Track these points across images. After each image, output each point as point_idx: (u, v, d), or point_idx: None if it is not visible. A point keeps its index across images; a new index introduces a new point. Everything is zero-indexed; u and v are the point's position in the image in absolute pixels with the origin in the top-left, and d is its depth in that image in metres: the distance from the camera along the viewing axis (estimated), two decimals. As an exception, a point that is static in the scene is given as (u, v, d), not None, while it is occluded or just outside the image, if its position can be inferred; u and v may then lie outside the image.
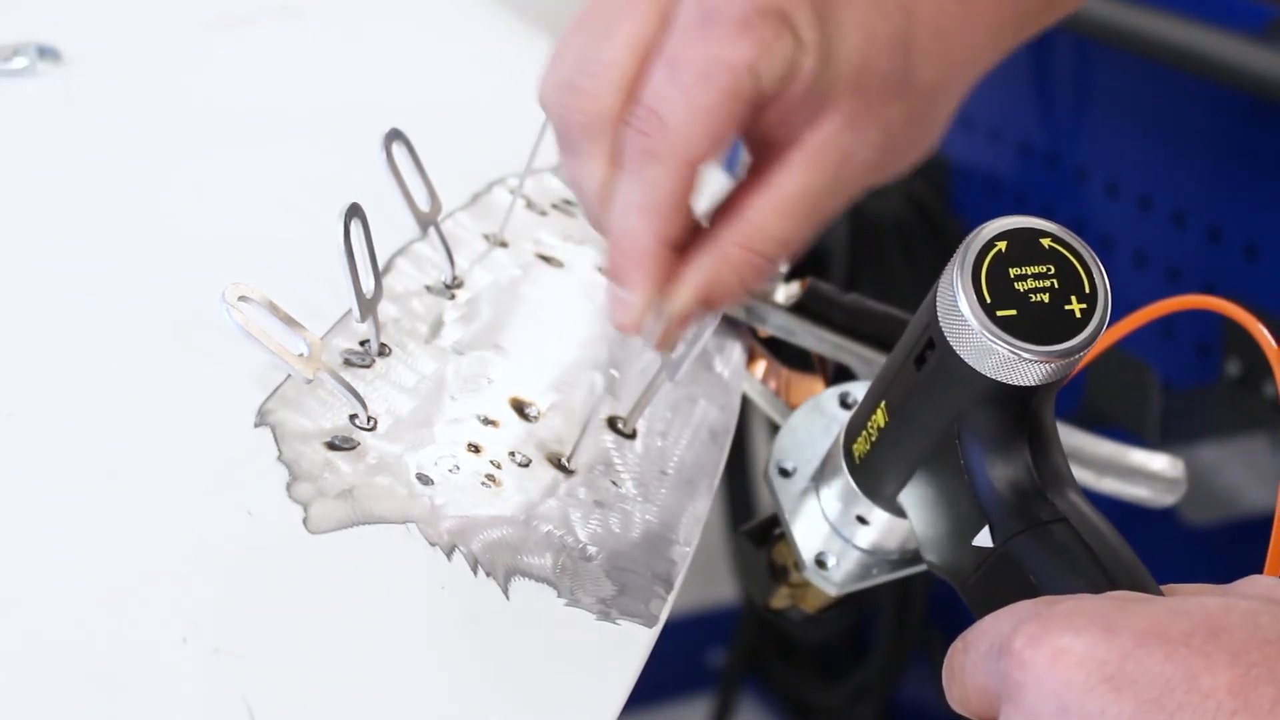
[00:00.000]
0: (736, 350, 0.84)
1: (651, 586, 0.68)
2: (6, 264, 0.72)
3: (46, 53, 0.86)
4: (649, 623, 0.66)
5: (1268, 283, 1.46)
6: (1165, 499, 0.88)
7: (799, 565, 0.72)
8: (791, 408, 0.84)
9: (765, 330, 0.84)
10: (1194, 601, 0.52)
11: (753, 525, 0.77)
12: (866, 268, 1.84)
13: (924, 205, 1.84)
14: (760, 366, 0.85)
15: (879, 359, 0.81)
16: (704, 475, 0.75)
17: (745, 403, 0.84)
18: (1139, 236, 1.58)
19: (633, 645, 0.65)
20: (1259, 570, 0.57)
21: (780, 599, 0.76)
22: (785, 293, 0.84)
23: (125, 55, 0.91)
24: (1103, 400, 1.53)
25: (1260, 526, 1.49)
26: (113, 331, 0.69)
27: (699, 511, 0.73)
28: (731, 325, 0.84)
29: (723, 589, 2.27)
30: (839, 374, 0.83)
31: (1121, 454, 0.87)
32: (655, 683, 2.10)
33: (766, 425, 2.15)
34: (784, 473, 0.73)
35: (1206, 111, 1.51)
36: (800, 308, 0.83)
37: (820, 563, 0.71)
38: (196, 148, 0.84)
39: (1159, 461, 0.87)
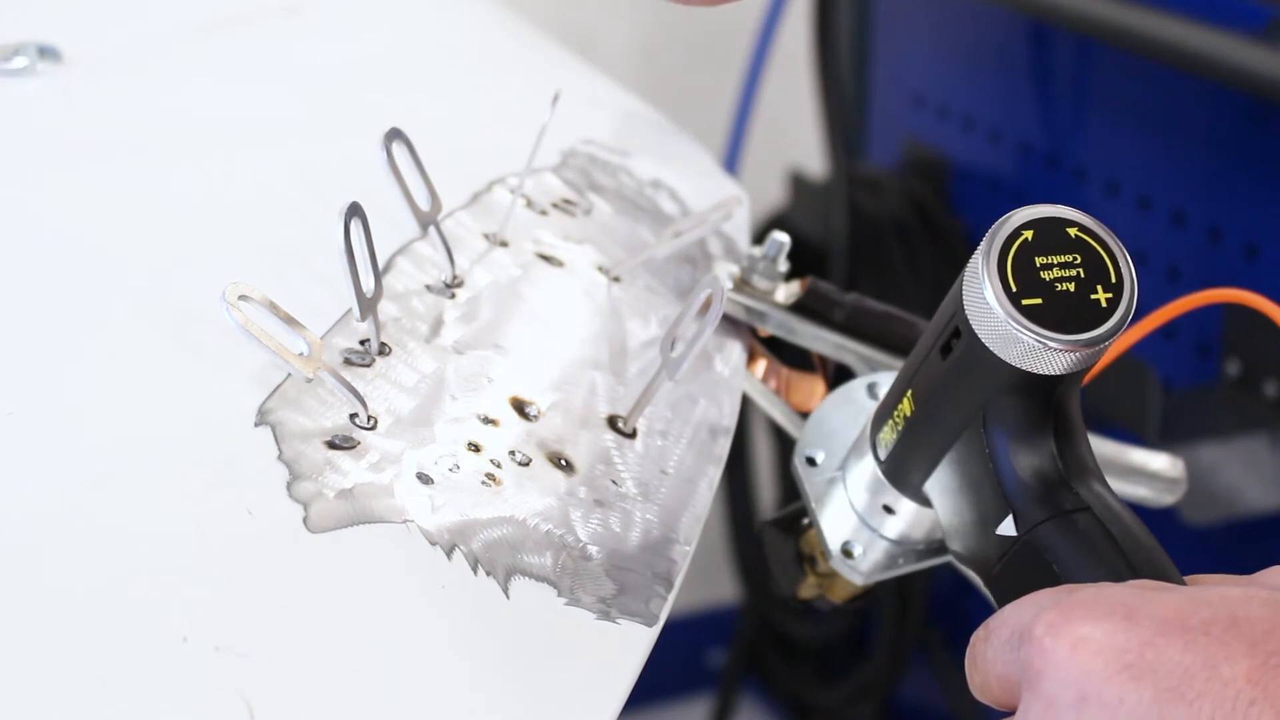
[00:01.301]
0: (736, 350, 0.84)
1: (652, 586, 0.68)
2: (6, 264, 0.72)
3: (46, 53, 0.86)
4: (649, 622, 0.66)
5: (1268, 283, 1.46)
6: (1165, 499, 0.88)
7: (825, 554, 0.72)
8: (792, 407, 0.84)
9: (765, 330, 0.84)
10: (1215, 591, 0.52)
11: (781, 514, 0.77)
12: (866, 268, 1.84)
13: (924, 205, 1.84)
14: (760, 366, 0.85)
15: (879, 358, 0.81)
16: (704, 474, 0.75)
17: (745, 402, 0.84)
18: (1139, 236, 1.58)
19: (633, 645, 0.65)
20: (1260, 569, 0.57)
21: (807, 588, 0.77)
22: (785, 292, 0.84)
23: (125, 55, 0.91)
24: (1103, 400, 1.53)
25: (1260, 526, 1.49)
26: (113, 331, 0.69)
27: (699, 511, 0.73)
28: (731, 325, 0.84)
29: (723, 589, 2.26)
30: (839, 373, 0.83)
31: (1121, 454, 0.87)
32: (655, 683, 2.10)
33: (766, 425, 2.15)
34: (811, 462, 0.73)
35: (1206, 111, 1.51)
36: (800, 307, 0.83)
37: (847, 552, 0.71)
38: (196, 147, 0.84)
39: (1159, 461, 0.87)
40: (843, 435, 0.73)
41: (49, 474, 0.62)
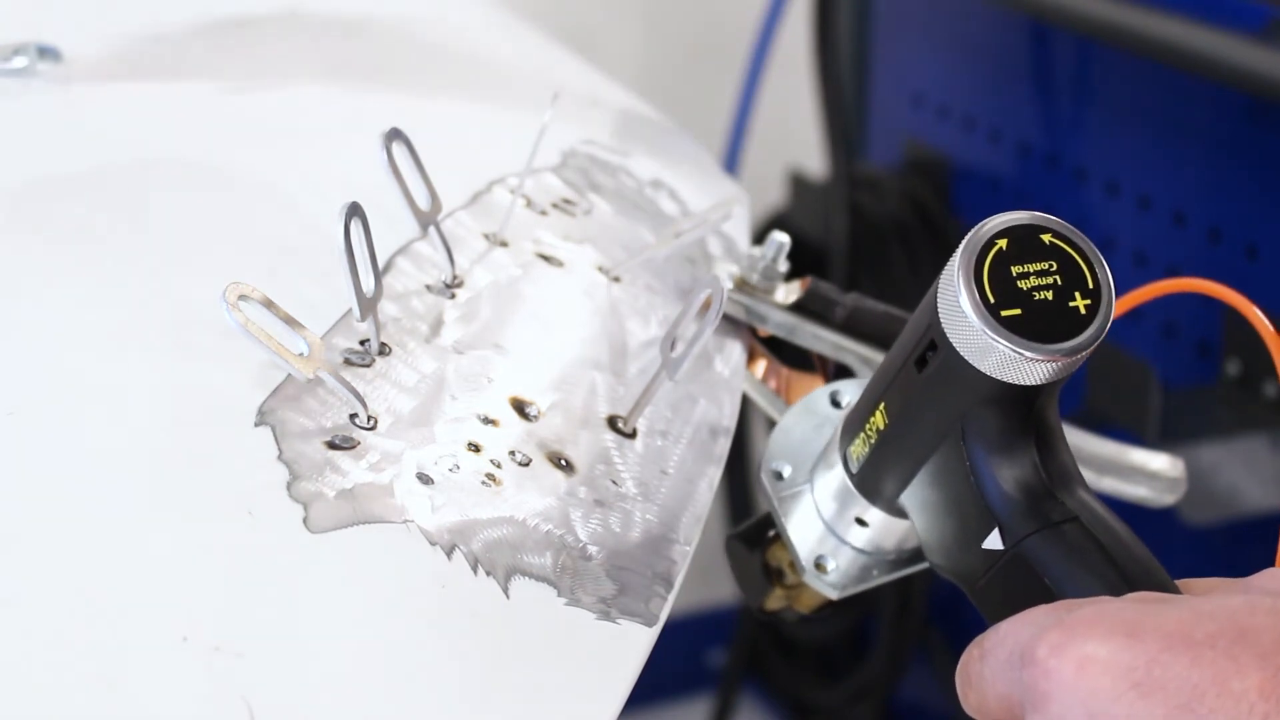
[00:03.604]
0: (736, 349, 0.84)
1: (652, 586, 0.68)
2: (6, 264, 0.72)
3: (46, 53, 0.86)
4: (649, 622, 0.66)
5: (1268, 283, 1.46)
6: (1165, 499, 0.88)
7: (798, 569, 0.72)
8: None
9: (765, 329, 0.84)
10: (1218, 602, 0.52)
11: (745, 527, 0.76)
12: (866, 268, 1.84)
13: (924, 205, 1.84)
14: (760, 366, 0.85)
15: (879, 358, 0.81)
16: (704, 474, 0.75)
17: (745, 402, 0.84)
18: (1139, 236, 1.58)
19: (633, 645, 0.65)
20: (1259, 569, 0.57)
21: (775, 600, 0.76)
22: (785, 292, 0.84)
23: (125, 55, 0.91)
24: (1103, 400, 1.53)
25: (1260, 526, 1.49)
26: (112, 331, 0.69)
27: (699, 511, 0.73)
28: (731, 324, 0.84)
29: (723, 589, 2.26)
30: (839, 373, 0.83)
31: (1121, 454, 0.87)
32: (655, 683, 2.09)
33: (766, 425, 2.15)
34: (777, 475, 0.72)
35: (1206, 111, 1.51)
36: (800, 307, 0.83)
37: (819, 566, 0.71)
38: (196, 147, 0.84)
39: (1159, 461, 0.87)
40: (808, 447, 0.71)
41: (49, 474, 0.62)
